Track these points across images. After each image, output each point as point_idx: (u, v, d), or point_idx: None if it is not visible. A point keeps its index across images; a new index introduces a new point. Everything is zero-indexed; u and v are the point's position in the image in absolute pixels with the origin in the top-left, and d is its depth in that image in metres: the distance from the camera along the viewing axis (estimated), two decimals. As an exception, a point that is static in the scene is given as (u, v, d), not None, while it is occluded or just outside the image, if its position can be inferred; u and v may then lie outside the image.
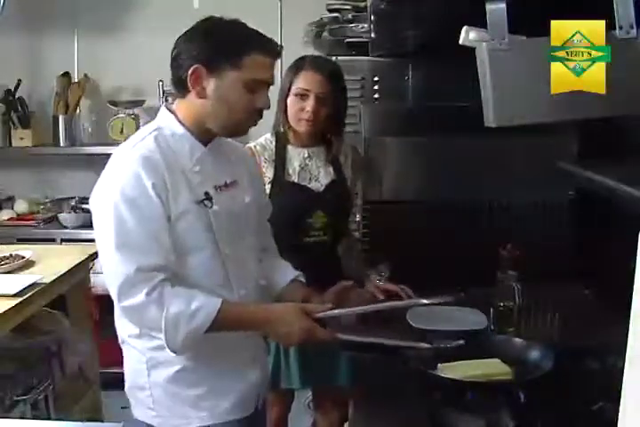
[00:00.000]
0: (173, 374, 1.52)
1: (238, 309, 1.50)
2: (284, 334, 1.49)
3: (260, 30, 1.49)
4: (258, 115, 1.51)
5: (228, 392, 1.56)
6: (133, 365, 1.57)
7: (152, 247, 1.40)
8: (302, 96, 2.02)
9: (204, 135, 1.52)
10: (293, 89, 2.04)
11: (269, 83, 1.49)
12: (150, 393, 1.54)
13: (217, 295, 1.45)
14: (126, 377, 1.61)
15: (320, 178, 2.09)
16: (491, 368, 1.54)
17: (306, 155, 2.12)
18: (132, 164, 1.42)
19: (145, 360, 1.53)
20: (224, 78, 1.44)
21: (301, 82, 2.03)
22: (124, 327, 1.54)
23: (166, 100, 3.58)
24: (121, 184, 1.41)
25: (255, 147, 2.11)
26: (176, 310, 1.38)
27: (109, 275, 1.43)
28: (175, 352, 1.43)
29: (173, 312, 1.38)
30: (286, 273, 1.74)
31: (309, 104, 2.01)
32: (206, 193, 1.48)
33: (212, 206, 1.48)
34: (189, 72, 1.43)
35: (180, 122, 1.50)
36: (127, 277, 1.38)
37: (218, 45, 1.44)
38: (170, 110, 1.53)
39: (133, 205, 1.40)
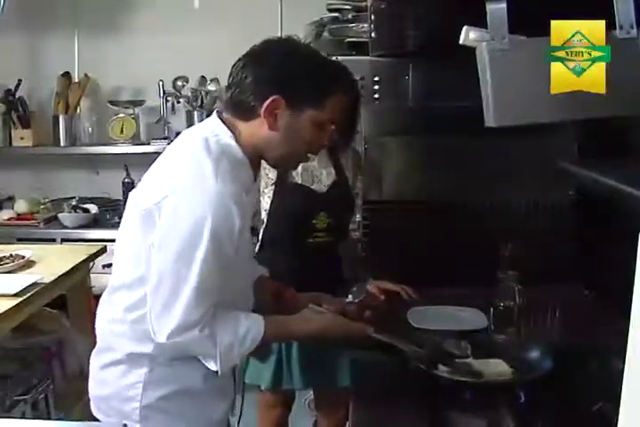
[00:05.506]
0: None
1: (281, 322, 1.45)
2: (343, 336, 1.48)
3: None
4: (317, 151, 1.45)
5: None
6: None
7: (218, 287, 1.32)
8: None
9: (254, 164, 1.39)
10: None
11: (337, 121, 1.40)
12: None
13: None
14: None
15: (322, 179, 2.09)
16: (491, 368, 1.54)
17: (309, 156, 2.11)
18: (224, 197, 1.26)
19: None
20: (302, 115, 1.32)
21: None
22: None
23: (166, 101, 3.56)
24: (213, 218, 1.25)
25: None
26: (228, 340, 1.33)
27: (163, 306, 1.29)
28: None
29: (227, 343, 1.33)
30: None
31: None
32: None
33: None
34: (267, 102, 1.30)
35: (240, 147, 1.35)
36: (189, 320, 1.28)
37: (304, 79, 1.31)
38: (230, 130, 1.35)
39: (219, 247, 1.27)
